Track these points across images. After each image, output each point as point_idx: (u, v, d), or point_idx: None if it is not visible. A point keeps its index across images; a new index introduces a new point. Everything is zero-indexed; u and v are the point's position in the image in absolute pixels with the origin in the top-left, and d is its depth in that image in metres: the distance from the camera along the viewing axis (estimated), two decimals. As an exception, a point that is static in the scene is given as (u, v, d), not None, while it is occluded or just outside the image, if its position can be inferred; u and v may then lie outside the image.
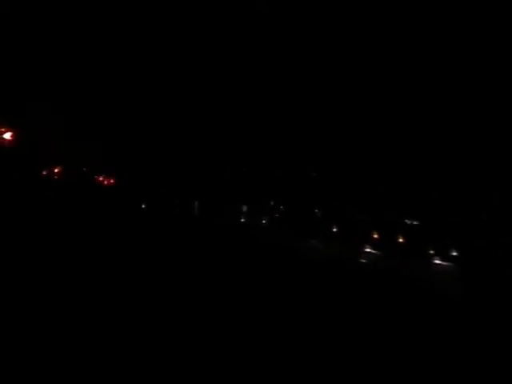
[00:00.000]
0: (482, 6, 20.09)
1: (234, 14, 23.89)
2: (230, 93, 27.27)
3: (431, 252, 23.68)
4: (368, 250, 24.64)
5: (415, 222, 28.32)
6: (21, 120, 26.60)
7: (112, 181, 45.82)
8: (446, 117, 24.75)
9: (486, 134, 22.90)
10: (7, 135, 27.73)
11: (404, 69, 23.81)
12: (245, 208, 45.00)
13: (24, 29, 22.32)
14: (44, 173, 36.76)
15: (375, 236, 25.84)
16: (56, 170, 38.03)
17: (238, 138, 31.21)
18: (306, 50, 24.60)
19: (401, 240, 25.61)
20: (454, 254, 23.18)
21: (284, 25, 23.74)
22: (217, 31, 24.41)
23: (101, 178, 44.82)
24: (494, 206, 23.78)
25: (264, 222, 41.31)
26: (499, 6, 19.64)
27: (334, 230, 29.12)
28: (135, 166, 39.23)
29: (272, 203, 41.25)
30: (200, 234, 29.89)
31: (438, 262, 22.87)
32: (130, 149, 33.04)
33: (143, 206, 43.96)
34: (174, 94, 27.64)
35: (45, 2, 22.79)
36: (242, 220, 43.84)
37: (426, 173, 26.54)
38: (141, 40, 24.99)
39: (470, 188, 25.14)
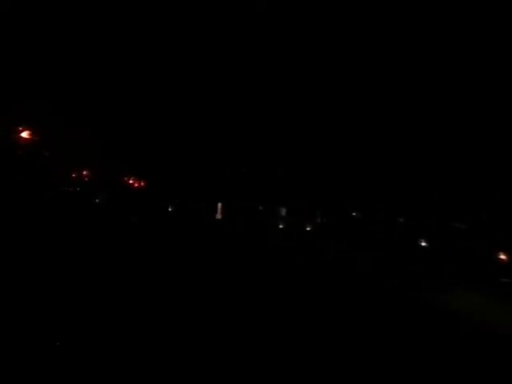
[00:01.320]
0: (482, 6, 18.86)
1: (234, 14, 23.43)
2: (231, 93, 26.83)
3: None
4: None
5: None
6: (41, 119, 26.68)
7: (142, 183, 46.11)
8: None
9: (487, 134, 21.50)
10: (25, 134, 27.44)
11: (405, 69, 22.73)
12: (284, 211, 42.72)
13: (24, 29, 22.75)
14: (73, 175, 37.30)
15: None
16: (84, 173, 38.52)
17: (241, 139, 30.73)
18: (306, 50, 23.88)
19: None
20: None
21: (284, 25, 23.11)
22: (217, 31, 24.05)
23: (131, 181, 45.18)
24: None
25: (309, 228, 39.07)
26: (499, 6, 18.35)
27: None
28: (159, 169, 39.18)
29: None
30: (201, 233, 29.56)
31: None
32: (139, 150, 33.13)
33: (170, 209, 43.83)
34: (174, 94, 27.51)
35: (45, 2, 23.16)
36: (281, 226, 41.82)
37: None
38: (142, 40, 24.98)
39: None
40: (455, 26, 20.54)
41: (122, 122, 28.98)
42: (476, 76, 21.19)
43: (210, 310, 10.40)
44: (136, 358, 7.14)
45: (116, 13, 23.74)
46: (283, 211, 43.44)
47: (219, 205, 41.14)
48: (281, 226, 41.65)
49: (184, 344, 7.95)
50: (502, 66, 20.23)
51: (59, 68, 25.02)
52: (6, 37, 22.43)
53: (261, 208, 43.36)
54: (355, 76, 24.32)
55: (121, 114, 28.55)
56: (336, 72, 24.40)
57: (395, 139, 26.68)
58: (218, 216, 41.41)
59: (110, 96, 27.49)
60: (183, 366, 7.05)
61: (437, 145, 24.61)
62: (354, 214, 38.13)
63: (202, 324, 9.23)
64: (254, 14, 22.86)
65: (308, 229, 39.62)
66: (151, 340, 7.89)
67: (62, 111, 25.44)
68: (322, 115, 27.66)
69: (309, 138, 30.50)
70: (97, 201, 33.04)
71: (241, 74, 25.60)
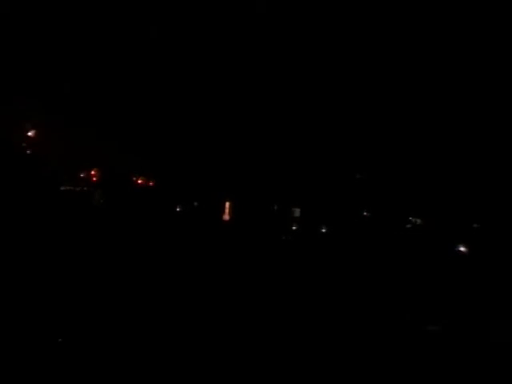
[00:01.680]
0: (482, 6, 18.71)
1: (234, 17, 23.44)
2: (232, 95, 26.80)
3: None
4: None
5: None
6: (42, 119, 26.54)
7: (151, 183, 46.07)
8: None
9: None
10: (31, 133, 27.24)
11: (408, 69, 22.54)
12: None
13: (24, 29, 22.93)
14: (82, 175, 37.37)
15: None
16: (92, 172, 38.54)
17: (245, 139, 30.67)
18: (306, 52, 23.78)
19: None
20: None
21: (284, 28, 23.09)
22: (216, 34, 24.06)
23: (139, 181, 45.17)
24: None
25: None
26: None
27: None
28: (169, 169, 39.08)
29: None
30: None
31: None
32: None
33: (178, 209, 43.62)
34: (174, 95, 27.52)
35: (45, 1, 23.34)
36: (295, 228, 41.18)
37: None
38: (143, 40, 25.04)
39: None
40: (455, 25, 20.42)
41: (126, 121, 29.08)
42: (478, 76, 21.03)
43: (209, 310, 10.37)
44: (136, 357, 7.11)
45: (117, 12, 23.85)
46: (297, 212, 42.50)
47: (227, 204, 40.26)
48: (294, 228, 41.13)
49: (184, 343, 7.92)
50: (503, 65, 20.08)
51: (61, 67, 25.18)
52: (6, 37, 22.65)
53: (275, 208, 42.60)
54: (357, 76, 24.19)
55: (124, 113, 28.66)
56: (339, 72, 24.31)
57: (399, 139, 26.53)
58: (226, 217, 40.57)
59: (114, 96, 27.59)
60: (183, 365, 7.01)
61: (438, 145, 24.43)
62: (364, 213, 37.78)
63: (201, 323, 9.19)
64: (254, 18, 22.87)
65: (323, 230, 39.12)
66: (151, 339, 7.86)
67: (63, 111, 25.58)
68: (324, 116, 27.58)
69: (313, 139, 30.39)
70: (93, 201, 33.05)
71: (242, 75, 25.60)
